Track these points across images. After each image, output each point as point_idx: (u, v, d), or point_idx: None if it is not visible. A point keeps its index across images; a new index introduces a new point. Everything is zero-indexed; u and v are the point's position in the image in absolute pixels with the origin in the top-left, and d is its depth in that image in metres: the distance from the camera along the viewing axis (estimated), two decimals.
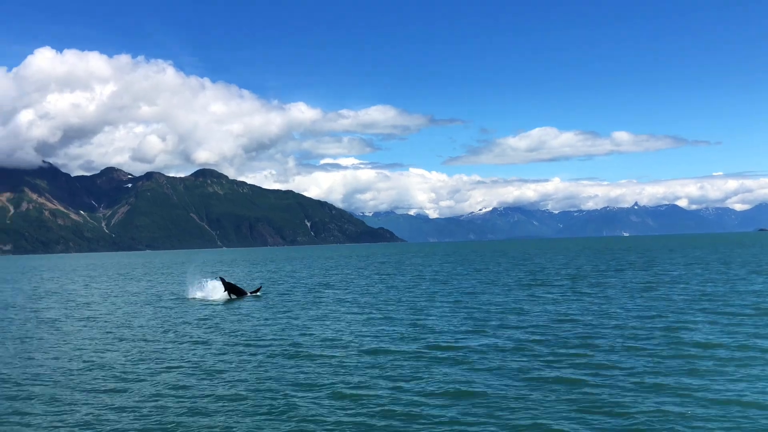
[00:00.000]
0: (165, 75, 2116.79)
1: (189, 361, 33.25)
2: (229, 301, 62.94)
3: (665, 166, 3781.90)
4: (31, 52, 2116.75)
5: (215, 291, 66.01)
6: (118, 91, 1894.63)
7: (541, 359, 30.81)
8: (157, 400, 25.65)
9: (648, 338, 35.44)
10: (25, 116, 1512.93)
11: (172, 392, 26.92)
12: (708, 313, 44.11)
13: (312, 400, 25.02)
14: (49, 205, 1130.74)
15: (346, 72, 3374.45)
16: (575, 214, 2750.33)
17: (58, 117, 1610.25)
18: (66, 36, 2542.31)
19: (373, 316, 49.27)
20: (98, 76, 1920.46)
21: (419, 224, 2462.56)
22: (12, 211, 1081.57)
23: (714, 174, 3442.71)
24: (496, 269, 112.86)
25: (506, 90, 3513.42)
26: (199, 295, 67.40)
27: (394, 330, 41.54)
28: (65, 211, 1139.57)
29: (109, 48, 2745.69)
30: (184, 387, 27.75)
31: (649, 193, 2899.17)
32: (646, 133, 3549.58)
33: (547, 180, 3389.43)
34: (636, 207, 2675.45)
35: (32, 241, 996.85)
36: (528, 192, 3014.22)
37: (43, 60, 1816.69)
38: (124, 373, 30.87)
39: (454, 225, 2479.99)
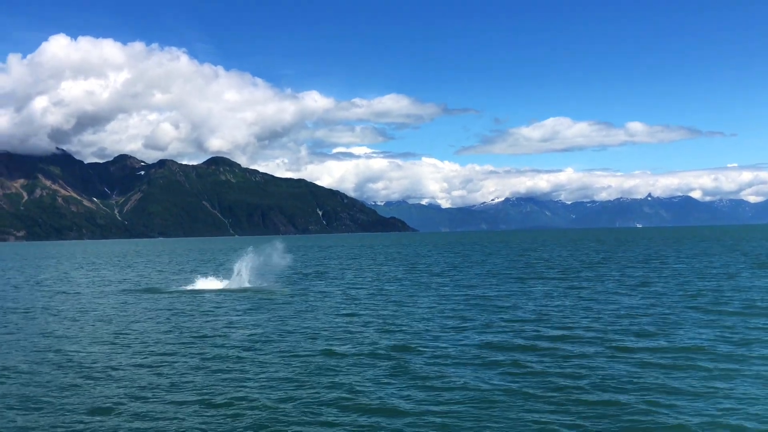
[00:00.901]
0: (179, 63, 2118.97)
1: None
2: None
3: (679, 158, 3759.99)
4: (46, 39, 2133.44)
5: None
6: (132, 78, 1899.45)
7: (513, 357, 31.15)
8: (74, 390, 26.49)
9: (621, 336, 35.73)
10: (39, 103, 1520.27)
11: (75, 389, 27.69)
12: (697, 311, 44.21)
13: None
14: (63, 191, 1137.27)
15: (359, 61, 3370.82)
16: (588, 204, 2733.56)
17: (72, 104, 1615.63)
18: (80, 23, 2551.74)
19: (352, 310, 49.99)
20: (112, 63, 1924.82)
21: (431, 214, 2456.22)
22: (26, 197, 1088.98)
23: (728, 166, 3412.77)
24: (496, 260, 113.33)
25: (520, 80, 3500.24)
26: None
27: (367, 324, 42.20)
28: (78, 197, 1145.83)
29: (124, 35, 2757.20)
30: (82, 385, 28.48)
31: (663, 184, 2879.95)
32: (660, 124, 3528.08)
33: (560, 170, 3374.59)
34: (649, 198, 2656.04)
35: (45, 228, 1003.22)
36: (541, 182, 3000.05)
37: (58, 47, 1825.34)
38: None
39: (466, 215, 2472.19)
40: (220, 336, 38.79)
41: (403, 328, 40.63)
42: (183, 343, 36.79)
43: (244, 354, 33.27)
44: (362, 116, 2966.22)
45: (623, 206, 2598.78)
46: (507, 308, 48.21)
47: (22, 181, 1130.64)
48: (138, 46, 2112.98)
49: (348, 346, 34.74)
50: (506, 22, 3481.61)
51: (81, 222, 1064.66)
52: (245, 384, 27.28)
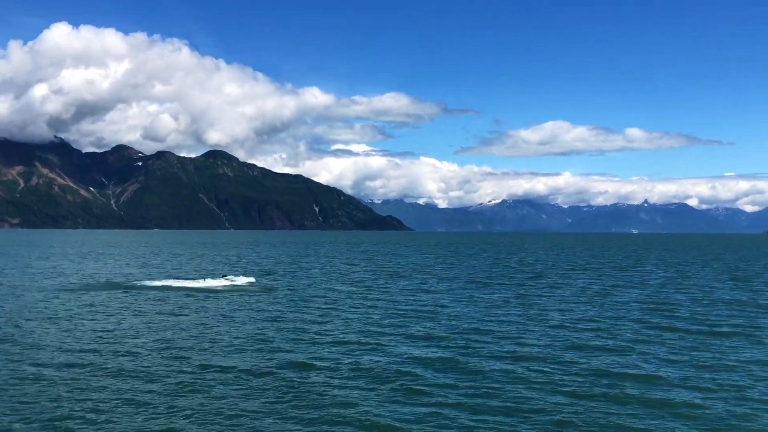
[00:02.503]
0: (180, 54, 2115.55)
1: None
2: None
3: (677, 165, 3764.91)
4: (48, 27, 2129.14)
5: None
6: (133, 69, 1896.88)
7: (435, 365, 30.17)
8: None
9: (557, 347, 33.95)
10: (39, 90, 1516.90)
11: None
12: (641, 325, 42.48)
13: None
14: (59, 180, 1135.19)
15: (360, 58, 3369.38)
16: (584, 209, 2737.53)
17: (72, 93, 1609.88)
18: (83, 11, 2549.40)
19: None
20: (113, 53, 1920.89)
21: (428, 213, 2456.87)
22: (22, 184, 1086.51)
23: (726, 174, 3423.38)
24: (473, 263, 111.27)
25: (520, 82, 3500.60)
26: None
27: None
28: (75, 187, 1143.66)
29: (125, 25, 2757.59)
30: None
31: (660, 191, 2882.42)
32: (659, 130, 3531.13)
33: (557, 174, 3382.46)
34: (646, 204, 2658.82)
35: (41, 216, 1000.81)
36: (538, 185, 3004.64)
37: (59, 35, 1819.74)
38: None
39: (463, 215, 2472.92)
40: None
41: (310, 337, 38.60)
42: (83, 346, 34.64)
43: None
44: (362, 114, 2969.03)
45: (620, 212, 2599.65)
46: (440, 315, 46.06)
47: (19, 168, 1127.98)
48: (140, 36, 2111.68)
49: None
50: (508, 23, 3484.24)
51: (77, 211, 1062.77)
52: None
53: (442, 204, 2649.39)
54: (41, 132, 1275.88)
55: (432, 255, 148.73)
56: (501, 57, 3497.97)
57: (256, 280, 73.62)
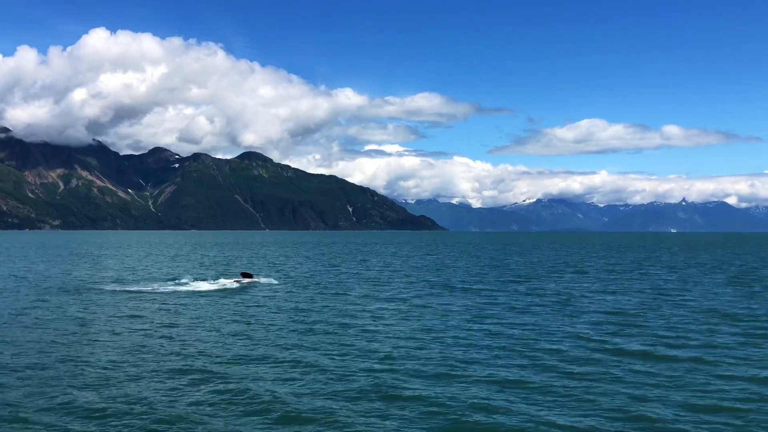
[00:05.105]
0: (216, 58, 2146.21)
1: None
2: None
3: (715, 162, 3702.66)
4: (86, 32, 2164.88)
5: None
6: (169, 72, 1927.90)
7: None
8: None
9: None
10: (78, 95, 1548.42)
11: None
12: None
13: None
14: (98, 182, 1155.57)
15: (393, 59, 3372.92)
16: (621, 208, 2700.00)
17: (110, 96, 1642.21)
18: (120, 17, 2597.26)
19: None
20: (150, 57, 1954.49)
21: (461, 213, 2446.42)
22: (62, 187, 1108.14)
23: (765, 171, 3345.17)
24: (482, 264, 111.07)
25: (555, 80, 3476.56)
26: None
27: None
28: (113, 188, 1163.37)
29: (162, 30, 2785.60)
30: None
31: (698, 189, 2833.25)
32: (697, 127, 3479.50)
33: (593, 172, 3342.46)
34: (684, 203, 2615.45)
35: (80, 217, 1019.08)
36: (574, 184, 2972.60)
37: (98, 40, 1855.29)
38: None
39: (497, 215, 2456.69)
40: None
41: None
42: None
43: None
44: (395, 114, 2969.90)
45: (657, 210, 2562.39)
46: (390, 321, 43.44)
47: (59, 171, 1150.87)
48: (176, 40, 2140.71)
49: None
50: (543, 21, 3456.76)
51: (115, 212, 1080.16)
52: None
53: (475, 204, 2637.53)
54: (80, 135, 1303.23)
55: (445, 256, 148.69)
56: (535, 55, 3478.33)
57: (289, 280, 74.24)
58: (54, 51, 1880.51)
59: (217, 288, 63.50)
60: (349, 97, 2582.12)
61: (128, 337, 36.27)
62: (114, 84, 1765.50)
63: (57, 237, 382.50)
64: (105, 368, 29.04)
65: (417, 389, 25.70)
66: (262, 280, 70.36)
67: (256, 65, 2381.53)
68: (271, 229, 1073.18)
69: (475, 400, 24.44)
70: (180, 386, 26.21)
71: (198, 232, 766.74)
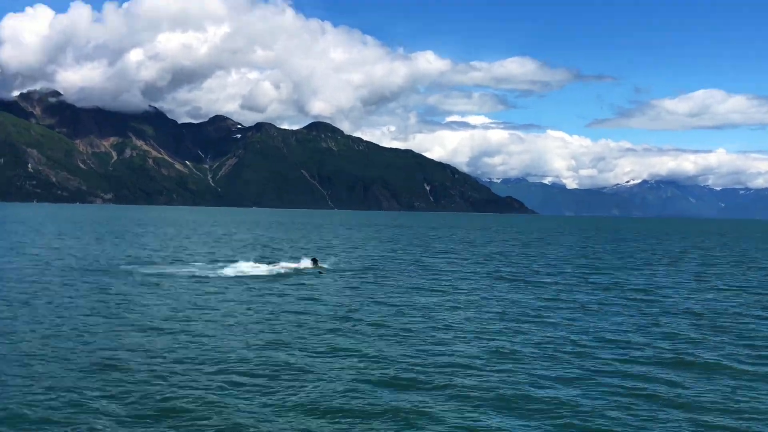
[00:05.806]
0: (283, 17, 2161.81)
1: None
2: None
3: None
4: None
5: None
6: (233, 33, 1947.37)
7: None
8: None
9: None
10: (134, 56, 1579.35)
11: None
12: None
13: None
14: (154, 153, 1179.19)
15: (480, 19, 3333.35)
16: (741, 192, 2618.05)
17: (168, 58, 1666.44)
18: None
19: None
20: (212, 15, 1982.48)
21: (554, 194, 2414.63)
22: (115, 157, 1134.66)
23: None
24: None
25: (667, 44, 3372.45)
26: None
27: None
28: (170, 160, 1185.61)
29: None
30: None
31: None
32: None
33: (709, 151, 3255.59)
34: None
35: (134, 191, 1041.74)
36: (685, 164, 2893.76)
37: None
38: None
39: (595, 197, 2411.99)
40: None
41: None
42: None
43: None
44: (481, 81, 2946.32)
45: None
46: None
47: (112, 139, 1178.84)
48: None
49: None
50: None
51: (171, 186, 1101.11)
52: None
53: (571, 184, 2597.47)
54: (136, 101, 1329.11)
55: (508, 245, 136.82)
56: (643, 15, 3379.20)
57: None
58: (109, 7, 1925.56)
59: (276, 273, 63.59)
60: (429, 62, 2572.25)
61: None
62: (172, 44, 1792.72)
63: (116, 211, 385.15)
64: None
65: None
66: (325, 266, 69.74)
67: (327, 25, 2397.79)
68: (339, 209, 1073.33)
69: None
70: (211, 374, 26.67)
71: (260, 210, 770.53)
